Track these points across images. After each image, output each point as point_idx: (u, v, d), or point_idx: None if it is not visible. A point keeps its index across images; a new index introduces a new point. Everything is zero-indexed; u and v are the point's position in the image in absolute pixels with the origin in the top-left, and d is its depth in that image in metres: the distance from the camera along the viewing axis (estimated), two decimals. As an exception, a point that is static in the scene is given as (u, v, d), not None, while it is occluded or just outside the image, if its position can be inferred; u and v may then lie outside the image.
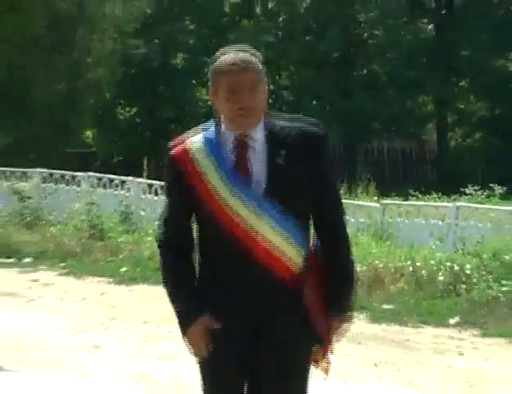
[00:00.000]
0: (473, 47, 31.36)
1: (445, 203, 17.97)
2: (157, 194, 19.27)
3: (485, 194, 19.23)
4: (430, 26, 35.50)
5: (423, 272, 12.71)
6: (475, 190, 19.03)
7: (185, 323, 4.23)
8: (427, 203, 19.14)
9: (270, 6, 39.08)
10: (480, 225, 15.05)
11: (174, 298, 4.29)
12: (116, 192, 20.14)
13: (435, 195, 20.87)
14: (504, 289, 11.91)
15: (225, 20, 38.33)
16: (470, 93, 33.12)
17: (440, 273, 12.54)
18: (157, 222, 4.43)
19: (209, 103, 4.36)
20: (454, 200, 18.94)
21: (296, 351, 4.21)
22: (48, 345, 9.41)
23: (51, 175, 21.76)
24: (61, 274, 14.25)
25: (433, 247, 14.30)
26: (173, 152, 4.23)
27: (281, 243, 4.17)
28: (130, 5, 34.43)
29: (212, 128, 4.24)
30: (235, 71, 4.07)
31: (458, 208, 15.79)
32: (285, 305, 4.17)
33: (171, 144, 4.27)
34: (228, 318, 4.16)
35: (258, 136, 4.16)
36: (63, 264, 14.88)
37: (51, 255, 15.63)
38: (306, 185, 4.14)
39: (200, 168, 4.17)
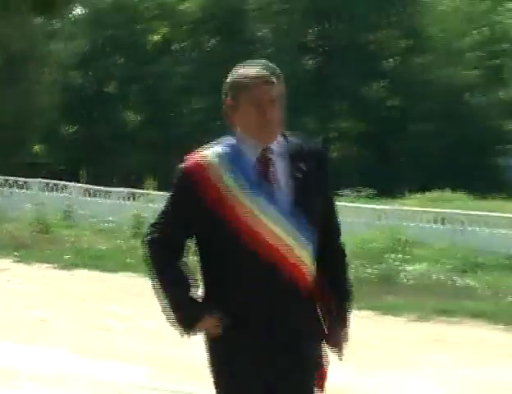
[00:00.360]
0: (347, 77, 31.52)
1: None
2: (94, 196, 19.57)
3: (357, 195, 19.58)
4: (313, 61, 35.68)
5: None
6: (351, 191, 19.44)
7: (192, 319, 3.41)
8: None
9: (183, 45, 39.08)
10: (350, 220, 15.16)
11: (174, 295, 3.43)
12: (61, 194, 20.18)
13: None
14: (368, 271, 12.11)
15: (148, 55, 38.27)
16: (348, 115, 33.21)
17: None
18: (148, 227, 3.54)
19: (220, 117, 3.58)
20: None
21: (314, 365, 3.51)
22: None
23: (6, 180, 21.71)
24: (14, 261, 13.97)
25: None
26: (186, 164, 3.44)
27: (306, 257, 3.43)
28: (71, 44, 34.96)
29: (229, 142, 3.48)
30: (259, 84, 3.41)
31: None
32: (309, 320, 3.46)
33: (186, 158, 3.47)
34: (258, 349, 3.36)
35: (278, 150, 3.45)
36: (16, 253, 14.63)
37: (6, 246, 15.37)
38: (320, 198, 3.50)
39: (220, 182, 3.38)
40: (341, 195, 19.67)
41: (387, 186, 23.58)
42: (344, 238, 3.58)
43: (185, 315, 3.41)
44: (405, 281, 11.93)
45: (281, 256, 3.36)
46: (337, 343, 3.54)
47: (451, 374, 7.61)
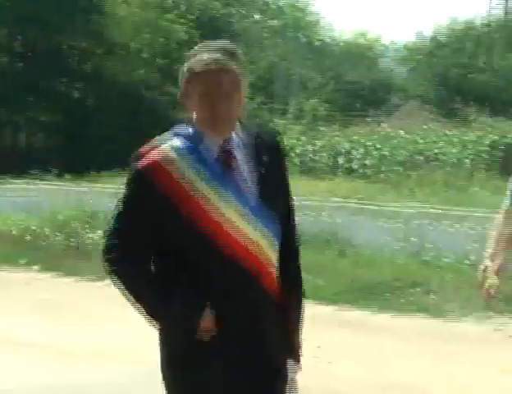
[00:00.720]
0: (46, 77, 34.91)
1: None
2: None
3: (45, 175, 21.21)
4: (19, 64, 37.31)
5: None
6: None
7: (190, 323, 3.04)
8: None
9: None
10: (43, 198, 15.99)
11: (158, 305, 3.07)
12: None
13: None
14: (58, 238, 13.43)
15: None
16: (46, 109, 36.06)
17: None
18: (105, 236, 3.19)
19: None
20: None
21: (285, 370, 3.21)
22: None
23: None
24: None
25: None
26: (143, 162, 3.07)
27: (273, 254, 3.13)
28: None
29: (184, 132, 3.14)
30: (208, 71, 3.02)
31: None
32: (273, 323, 3.15)
33: (139, 152, 3.13)
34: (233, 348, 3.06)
35: (237, 140, 3.13)
36: None
37: None
38: (281, 190, 3.22)
39: (182, 177, 3.04)
40: (35, 177, 20.80)
41: (76, 167, 27.25)
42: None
43: (184, 319, 3.05)
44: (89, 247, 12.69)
45: (252, 257, 3.04)
46: (298, 348, 3.27)
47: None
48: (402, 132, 28.26)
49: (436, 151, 25.98)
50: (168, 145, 3.12)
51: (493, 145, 25.64)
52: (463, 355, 8.19)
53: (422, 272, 11.20)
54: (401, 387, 7.19)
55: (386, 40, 64.59)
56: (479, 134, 26.54)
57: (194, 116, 3.15)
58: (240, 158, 3.15)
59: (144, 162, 3.09)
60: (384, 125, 30.92)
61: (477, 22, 48.04)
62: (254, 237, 3.08)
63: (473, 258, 10.56)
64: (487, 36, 45.85)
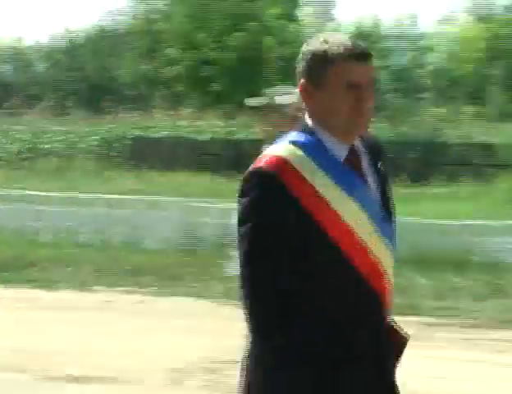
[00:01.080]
0: None
1: None
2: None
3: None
4: None
5: None
6: None
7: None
8: None
9: None
10: None
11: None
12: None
13: None
14: None
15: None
16: None
17: None
18: (245, 306, 2.53)
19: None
20: None
21: None
22: None
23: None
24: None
25: None
26: (266, 163, 2.55)
27: (392, 274, 2.71)
28: None
29: (304, 139, 2.61)
30: (355, 58, 2.55)
31: None
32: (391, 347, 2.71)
33: (258, 160, 2.59)
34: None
35: (359, 145, 2.71)
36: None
37: None
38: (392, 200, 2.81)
39: (314, 182, 2.55)
40: None
41: None
42: None
43: None
44: None
45: (381, 277, 2.63)
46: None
47: None
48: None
49: (49, 144, 27.24)
50: (288, 148, 2.60)
51: (120, 138, 27.13)
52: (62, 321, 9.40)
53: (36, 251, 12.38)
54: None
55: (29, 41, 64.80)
56: (108, 127, 28.00)
57: (313, 120, 2.64)
58: (365, 165, 2.71)
59: (267, 163, 2.56)
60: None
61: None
62: (384, 254, 2.66)
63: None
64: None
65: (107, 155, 25.75)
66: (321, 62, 2.58)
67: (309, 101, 2.63)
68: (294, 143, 2.60)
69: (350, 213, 2.59)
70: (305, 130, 2.64)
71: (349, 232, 2.57)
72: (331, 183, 2.58)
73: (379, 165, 2.74)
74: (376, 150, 2.77)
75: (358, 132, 2.66)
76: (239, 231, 2.55)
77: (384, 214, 2.70)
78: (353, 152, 2.67)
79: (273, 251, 2.51)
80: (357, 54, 2.57)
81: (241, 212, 2.55)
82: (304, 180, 2.53)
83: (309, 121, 2.66)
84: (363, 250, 2.60)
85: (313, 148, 2.60)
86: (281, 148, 2.60)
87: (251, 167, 2.58)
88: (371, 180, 2.69)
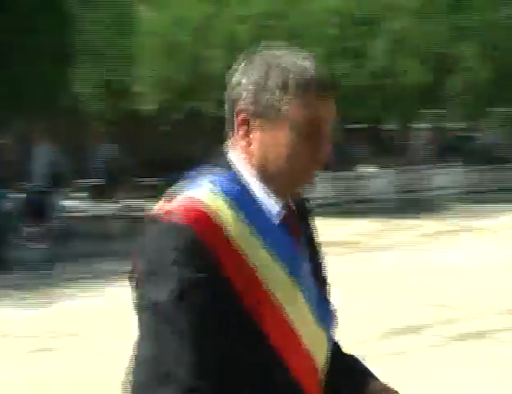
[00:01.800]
0: None
1: None
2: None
3: None
4: None
5: None
6: None
7: None
8: None
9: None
10: None
11: None
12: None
13: None
14: None
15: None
16: None
17: None
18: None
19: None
20: None
21: None
22: None
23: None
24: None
25: None
26: (196, 226, 1.82)
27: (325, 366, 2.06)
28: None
29: (230, 180, 1.92)
30: (319, 88, 1.89)
31: None
32: None
33: (175, 204, 1.87)
34: None
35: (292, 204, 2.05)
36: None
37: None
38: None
39: (244, 251, 1.87)
40: None
41: None
42: None
43: None
44: None
45: (313, 374, 2.00)
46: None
47: None
48: None
49: None
50: (217, 196, 1.89)
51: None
52: None
53: None
54: None
55: None
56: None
57: (243, 156, 1.95)
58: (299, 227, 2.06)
59: (195, 224, 1.83)
60: None
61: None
62: (320, 349, 2.01)
63: None
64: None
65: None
66: (275, 90, 1.89)
67: (249, 140, 1.92)
68: (218, 189, 1.90)
69: (291, 295, 1.93)
70: (234, 173, 1.94)
71: (286, 323, 1.91)
72: (268, 255, 1.90)
73: (307, 225, 2.11)
74: (302, 206, 2.12)
75: (305, 185, 1.98)
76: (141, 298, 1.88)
77: (320, 293, 2.05)
78: (288, 210, 2.00)
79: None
80: (323, 85, 1.90)
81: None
82: (232, 247, 1.85)
83: (241, 164, 1.95)
84: (298, 343, 1.94)
85: (245, 201, 1.92)
86: (201, 193, 1.89)
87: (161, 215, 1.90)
88: (304, 247, 2.04)
